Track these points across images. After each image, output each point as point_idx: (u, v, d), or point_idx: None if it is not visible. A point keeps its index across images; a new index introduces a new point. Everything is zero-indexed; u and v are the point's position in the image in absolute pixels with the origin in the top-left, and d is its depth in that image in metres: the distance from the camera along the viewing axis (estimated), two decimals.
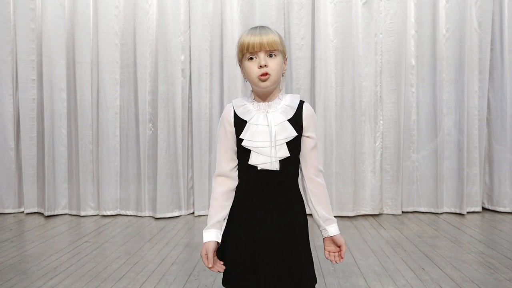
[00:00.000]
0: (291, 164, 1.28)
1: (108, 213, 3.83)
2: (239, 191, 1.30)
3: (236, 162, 1.31)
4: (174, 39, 3.74)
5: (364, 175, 3.77)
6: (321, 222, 1.29)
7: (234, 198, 1.31)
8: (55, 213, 3.85)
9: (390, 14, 3.75)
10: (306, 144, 1.29)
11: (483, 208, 3.89)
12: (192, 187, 3.88)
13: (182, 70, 3.79)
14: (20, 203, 4.00)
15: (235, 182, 1.31)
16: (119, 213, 3.87)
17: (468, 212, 3.78)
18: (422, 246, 2.87)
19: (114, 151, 3.85)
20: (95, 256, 2.73)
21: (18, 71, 3.87)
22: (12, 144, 3.96)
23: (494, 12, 3.76)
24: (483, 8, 3.74)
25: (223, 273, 1.29)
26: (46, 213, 3.77)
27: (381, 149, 3.80)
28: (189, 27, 3.78)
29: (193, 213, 3.85)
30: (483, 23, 3.75)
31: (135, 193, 3.85)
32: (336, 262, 1.31)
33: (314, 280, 1.30)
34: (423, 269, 2.44)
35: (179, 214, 3.80)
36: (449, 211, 3.81)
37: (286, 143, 1.25)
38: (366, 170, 3.77)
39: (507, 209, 3.78)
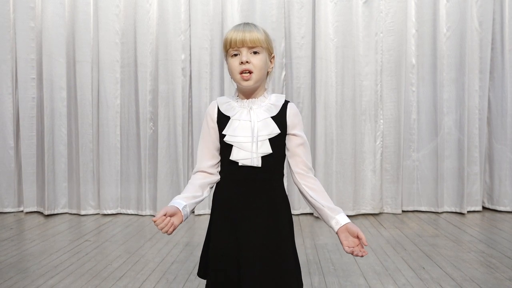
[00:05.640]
0: (274, 162, 1.26)
1: (109, 212, 3.83)
2: (222, 188, 1.29)
3: (217, 159, 1.29)
4: (175, 38, 3.74)
5: (364, 174, 3.76)
6: (328, 212, 1.22)
7: (217, 196, 1.29)
8: (55, 212, 3.85)
9: (391, 13, 3.75)
10: (292, 142, 1.27)
11: (484, 207, 3.89)
12: None
13: (183, 69, 3.79)
14: (20, 202, 3.99)
15: (213, 179, 1.29)
16: (119, 212, 3.86)
17: (468, 211, 3.77)
18: (422, 245, 2.87)
19: (115, 150, 3.85)
20: (96, 255, 2.73)
21: (17, 70, 3.87)
22: (11, 143, 3.95)
23: (495, 11, 3.75)
24: (483, 7, 3.73)
25: (201, 264, 1.30)
26: (46, 212, 3.77)
27: (381, 148, 3.79)
28: (190, 26, 3.77)
29: (193, 212, 3.85)
30: (484, 22, 3.75)
31: (135, 192, 3.85)
32: (362, 256, 1.18)
33: (298, 281, 1.26)
34: (423, 268, 2.44)
35: None
36: (449, 210, 3.81)
37: (269, 140, 1.23)
38: (366, 169, 3.76)
39: (507, 208, 3.78)
